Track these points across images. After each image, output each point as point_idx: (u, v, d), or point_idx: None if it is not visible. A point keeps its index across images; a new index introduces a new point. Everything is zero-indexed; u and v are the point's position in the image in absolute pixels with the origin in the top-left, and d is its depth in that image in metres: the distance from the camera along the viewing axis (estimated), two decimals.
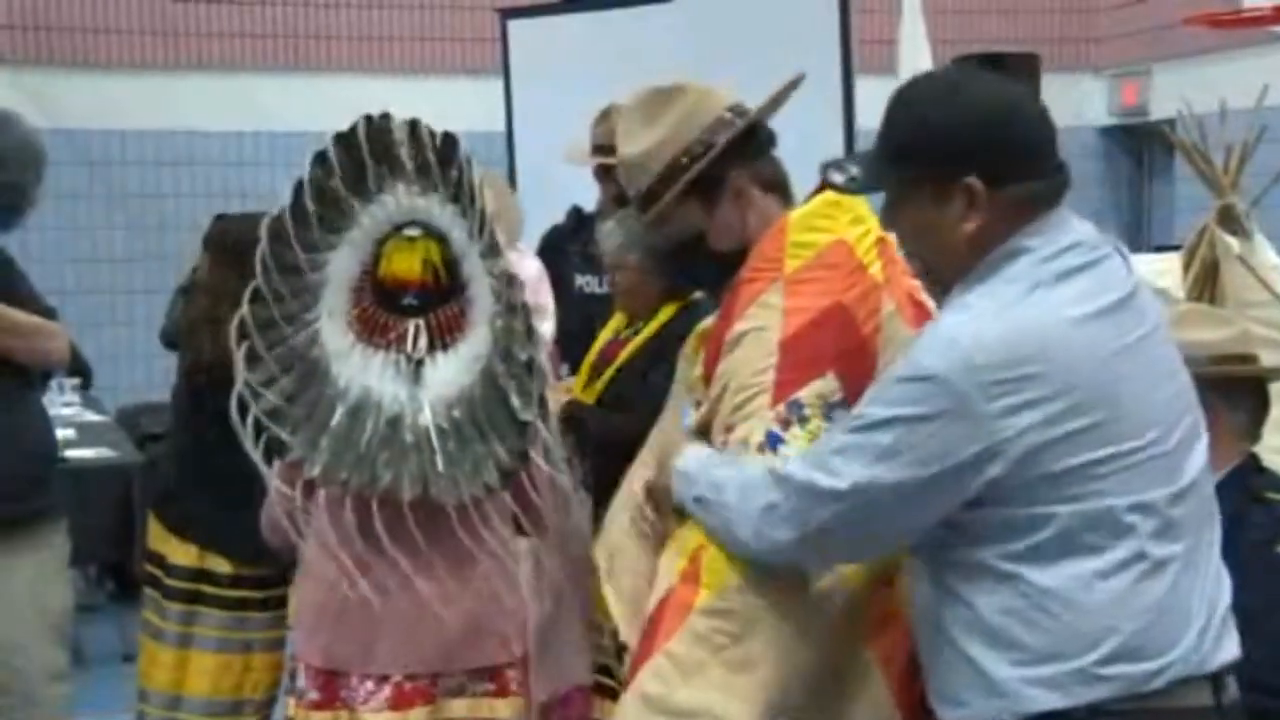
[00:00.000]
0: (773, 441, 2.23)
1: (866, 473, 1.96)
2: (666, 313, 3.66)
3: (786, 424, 2.24)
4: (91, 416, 6.62)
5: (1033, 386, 1.88)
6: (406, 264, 2.88)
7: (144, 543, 4.19)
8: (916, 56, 5.87)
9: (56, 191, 6.42)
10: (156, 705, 4.03)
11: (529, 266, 4.20)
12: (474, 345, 2.86)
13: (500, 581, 2.95)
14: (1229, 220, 3.76)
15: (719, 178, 2.47)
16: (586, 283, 4.61)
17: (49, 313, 3.77)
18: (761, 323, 2.29)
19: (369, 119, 2.84)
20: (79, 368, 6.85)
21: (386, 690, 2.94)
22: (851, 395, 2.18)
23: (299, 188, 2.87)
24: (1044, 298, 1.93)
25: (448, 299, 2.87)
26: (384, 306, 2.89)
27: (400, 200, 2.88)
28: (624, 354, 3.70)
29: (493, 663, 2.98)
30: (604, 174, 4.67)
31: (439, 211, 2.87)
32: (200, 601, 3.95)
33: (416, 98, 8.53)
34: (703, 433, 2.40)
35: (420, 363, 2.87)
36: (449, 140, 2.85)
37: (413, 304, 2.88)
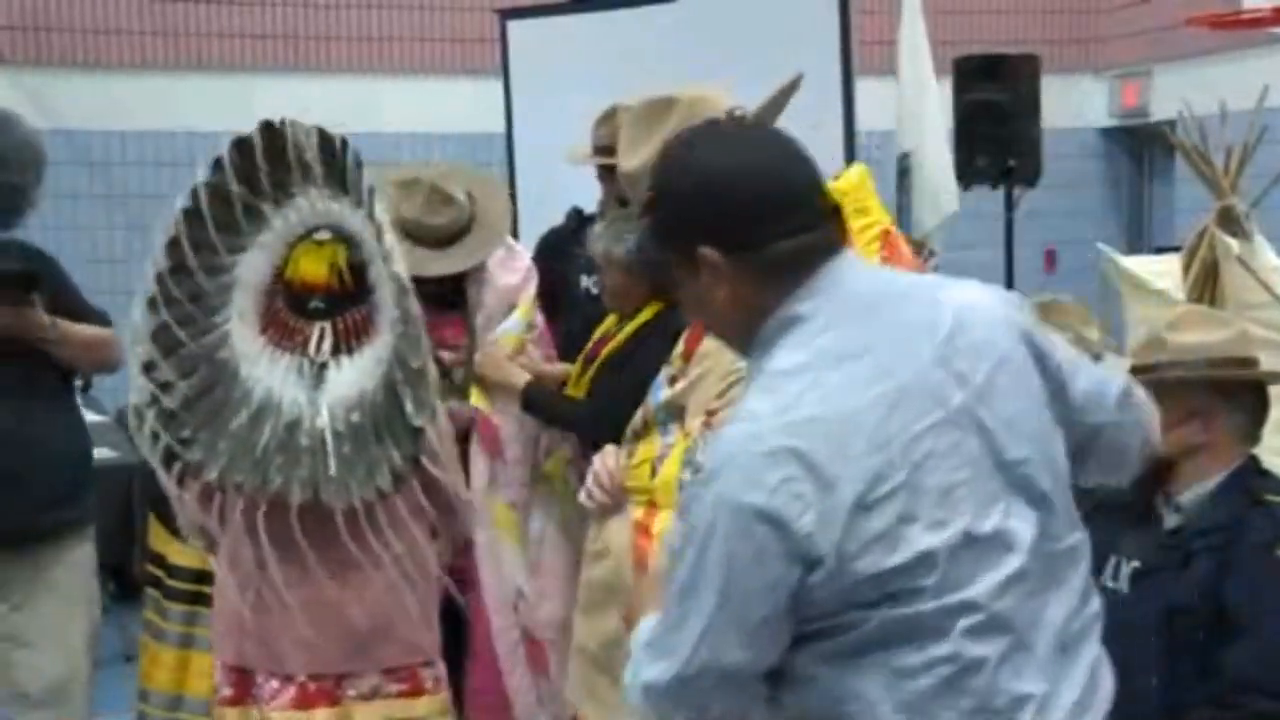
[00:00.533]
0: None
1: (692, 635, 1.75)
2: (649, 311, 3.67)
3: None
4: (92, 417, 6.60)
5: (825, 492, 1.69)
6: (313, 267, 2.93)
7: (145, 543, 4.19)
8: (916, 57, 5.87)
9: (56, 192, 6.40)
10: (157, 705, 4.03)
11: (519, 262, 4.22)
12: (377, 349, 2.90)
13: (409, 582, 2.98)
14: (1229, 222, 3.76)
15: None
16: (591, 284, 4.61)
17: (100, 315, 3.78)
18: None
19: (269, 124, 2.91)
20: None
21: (291, 690, 2.99)
22: None
23: (193, 192, 2.91)
24: (825, 389, 1.73)
25: (354, 303, 2.92)
26: (292, 310, 2.95)
27: (313, 204, 2.93)
28: (605, 350, 3.73)
29: (400, 663, 3.02)
30: (606, 175, 4.67)
31: (349, 216, 2.91)
32: (202, 602, 3.93)
33: (416, 98, 8.62)
34: (672, 410, 2.43)
35: (324, 366, 2.91)
36: (344, 144, 2.91)
37: (319, 307, 2.93)
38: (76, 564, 3.70)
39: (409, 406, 2.84)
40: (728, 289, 1.82)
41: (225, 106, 8.42)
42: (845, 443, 1.70)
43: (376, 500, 2.87)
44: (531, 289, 4.15)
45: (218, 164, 2.93)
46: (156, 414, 2.90)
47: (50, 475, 3.63)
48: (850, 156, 5.82)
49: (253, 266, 2.97)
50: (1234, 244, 3.69)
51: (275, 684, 3.01)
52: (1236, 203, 3.80)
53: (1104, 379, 2.02)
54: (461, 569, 3.67)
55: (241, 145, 2.91)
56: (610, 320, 3.87)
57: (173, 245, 2.93)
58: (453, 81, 8.64)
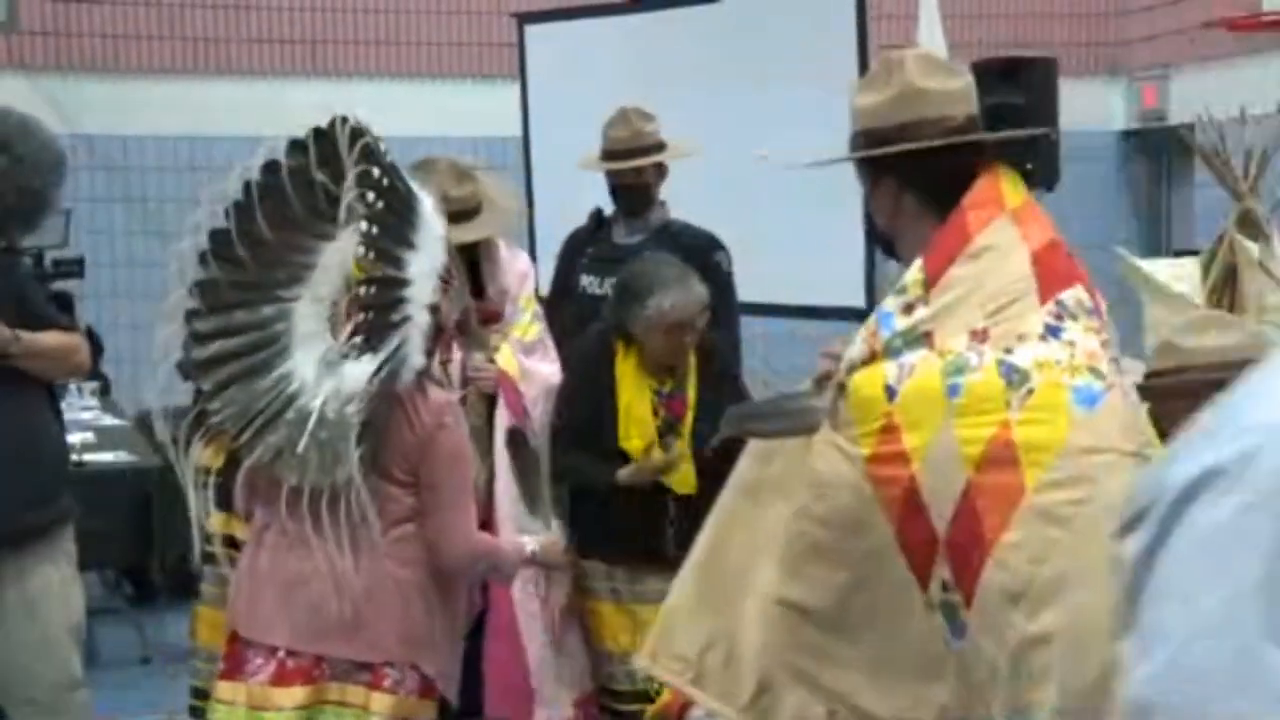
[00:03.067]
0: (1053, 331, 2.37)
1: None
2: (694, 361, 4.01)
3: (1060, 317, 2.39)
4: (110, 421, 6.64)
5: None
6: (360, 266, 3.00)
7: (180, 538, 4.29)
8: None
9: (75, 196, 6.44)
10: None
11: (519, 262, 4.36)
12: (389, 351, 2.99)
13: (382, 582, 3.06)
14: (1248, 225, 3.75)
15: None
16: (590, 283, 4.67)
17: (64, 314, 3.78)
18: (1001, 241, 2.43)
19: (354, 120, 3.06)
20: (97, 372, 6.87)
21: (272, 666, 3.08)
22: (1096, 309, 2.43)
23: (270, 166, 3.05)
24: None
25: (379, 304, 3.00)
26: (354, 303, 3.03)
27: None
28: (693, 402, 4.00)
29: (365, 659, 3.09)
30: (616, 179, 4.68)
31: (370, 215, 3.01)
32: None
33: (434, 102, 8.63)
34: (912, 336, 2.41)
35: (345, 357, 3.00)
36: (367, 145, 3.06)
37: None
38: (57, 562, 3.71)
39: (351, 409, 2.95)
40: None
41: (244, 111, 8.47)
42: None
43: (343, 490, 2.96)
44: (528, 288, 4.30)
45: (295, 146, 3.06)
46: (195, 355, 3.06)
47: (31, 474, 3.63)
48: None
49: (335, 255, 3.08)
50: (1253, 247, 3.68)
51: (260, 659, 3.10)
52: (1256, 206, 3.80)
53: None
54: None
55: (321, 135, 3.04)
56: (645, 377, 4.00)
57: (243, 210, 3.05)
58: (470, 85, 8.66)
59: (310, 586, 3.04)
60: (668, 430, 3.97)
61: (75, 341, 3.73)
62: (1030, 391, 2.30)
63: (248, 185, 3.07)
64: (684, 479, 3.93)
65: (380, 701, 3.09)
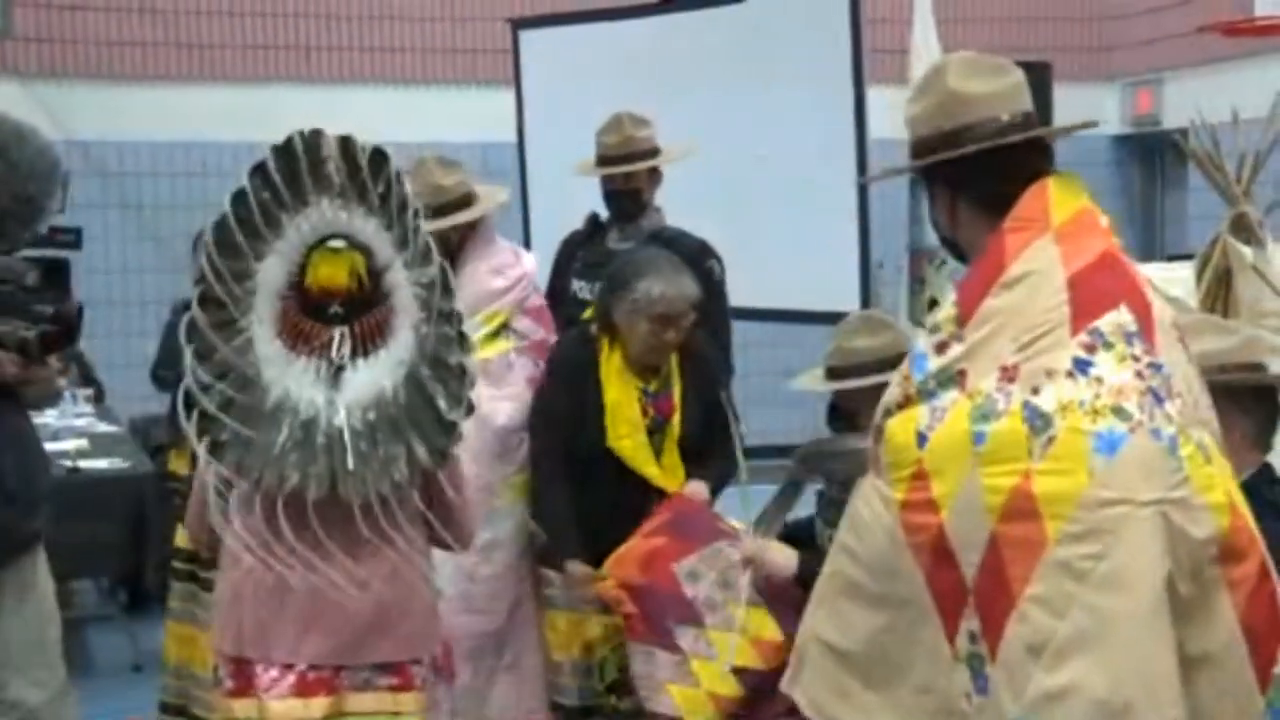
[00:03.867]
0: (1082, 366, 2.29)
1: None
2: (679, 363, 3.93)
3: (1092, 349, 2.30)
4: (104, 427, 6.63)
5: None
6: (333, 273, 3.04)
7: (166, 547, 4.24)
8: (929, 66, 5.85)
9: (69, 202, 6.44)
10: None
11: (515, 270, 4.25)
12: (396, 351, 3.02)
13: (408, 580, 3.10)
14: (1242, 229, 3.75)
15: None
16: (581, 288, 4.66)
17: (55, 289, 3.72)
18: (1039, 266, 2.35)
19: (302, 133, 3.02)
20: (91, 379, 6.87)
21: (290, 678, 3.07)
22: (1145, 329, 2.32)
23: (239, 197, 3.01)
24: None
25: (371, 307, 3.02)
26: (309, 314, 3.04)
27: (325, 213, 3.03)
28: (679, 403, 3.93)
29: (395, 659, 3.11)
30: (609, 184, 4.68)
31: (361, 225, 3.03)
32: None
33: (429, 108, 8.64)
34: (946, 376, 2.38)
35: (340, 368, 3.02)
36: (379, 155, 3.05)
37: (338, 312, 3.03)
38: (41, 571, 3.70)
39: (442, 402, 2.98)
40: None
41: (237, 117, 8.49)
42: None
43: (392, 494, 2.98)
44: (511, 298, 4.17)
45: (262, 170, 3.03)
46: (199, 416, 3.01)
47: (31, 482, 3.56)
48: (862, 165, 5.82)
49: (271, 272, 3.06)
50: (1247, 252, 3.68)
51: (274, 672, 3.09)
52: (1250, 210, 3.79)
53: None
54: None
55: (284, 153, 3.02)
56: (630, 376, 3.90)
57: (226, 247, 3.04)
58: (465, 91, 8.67)
59: (351, 602, 3.03)
60: (656, 430, 3.90)
61: (53, 371, 3.70)
62: (1051, 439, 2.26)
63: (218, 223, 3.03)
64: (672, 475, 3.90)
65: (414, 701, 3.13)
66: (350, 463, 2.95)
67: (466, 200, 4.15)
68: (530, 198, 6.94)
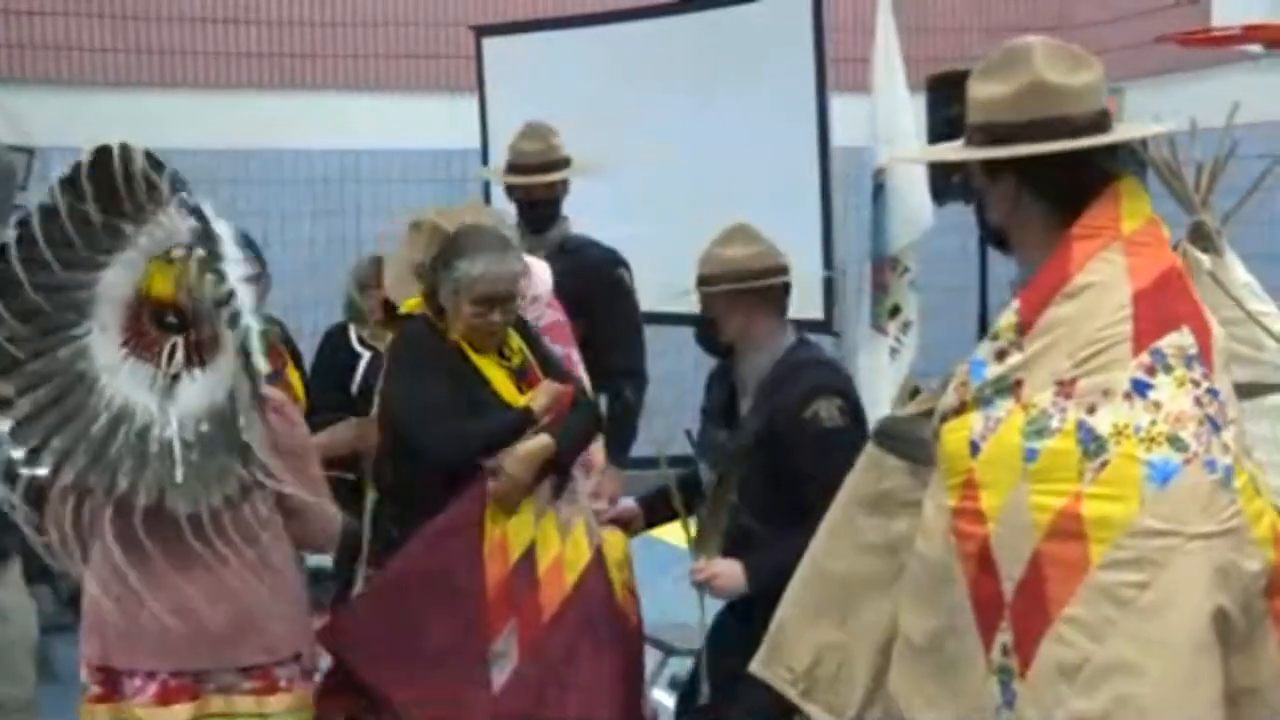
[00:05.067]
0: (1140, 388, 2.24)
1: None
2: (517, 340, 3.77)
3: (1152, 371, 2.25)
4: None
5: None
6: (163, 284, 3.08)
7: None
8: (890, 75, 5.92)
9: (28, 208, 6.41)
10: None
11: (536, 282, 4.17)
12: (227, 363, 3.04)
13: (266, 585, 3.14)
14: (1200, 237, 3.77)
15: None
16: None
17: None
18: (1105, 277, 2.30)
19: (123, 147, 3.05)
20: None
21: (154, 686, 3.14)
22: (1204, 353, 2.27)
23: (45, 212, 3.00)
24: None
25: (206, 318, 3.05)
26: (153, 323, 3.10)
27: (172, 223, 3.08)
28: (539, 360, 3.80)
29: (256, 662, 3.18)
30: (525, 194, 4.67)
31: (193, 234, 3.06)
32: None
33: (393, 114, 8.64)
34: (1003, 385, 2.34)
35: (177, 377, 3.07)
36: (173, 168, 3.12)
37: (173, 322, 3.08)
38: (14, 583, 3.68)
39: (241, 421, 2.99)
40: None
41: (204, 124, 8.46)
42: None
43: (224, 507, 3.02)
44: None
45: (72, 184, 3.03)
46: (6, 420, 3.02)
47: None
48: (825, 172, 5.86)
49: (115, 282, 3.10)
50: (1206, 259, 3.71)
51: (138, 681, 3.16)
52: (1208, 218, 3.83)
53: None
54: None
55: (93, 167, 3.02)
56: (487, 355, 3.71)
57: (30, 262, 3.02)
58: (429, 98, 8.67)
59: (202, 610, 3.09)
60: None
61: None
62: (1105, 464, 2.21)
63: (28, 236, 3.02)
64: None
65: (280, 702, 3.20)
66: (178, 475, 2.97)
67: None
68: (493, 203, 6.96)
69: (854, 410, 3.54)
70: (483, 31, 7.16)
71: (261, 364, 3.00)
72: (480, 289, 3.58)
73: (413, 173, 8.34)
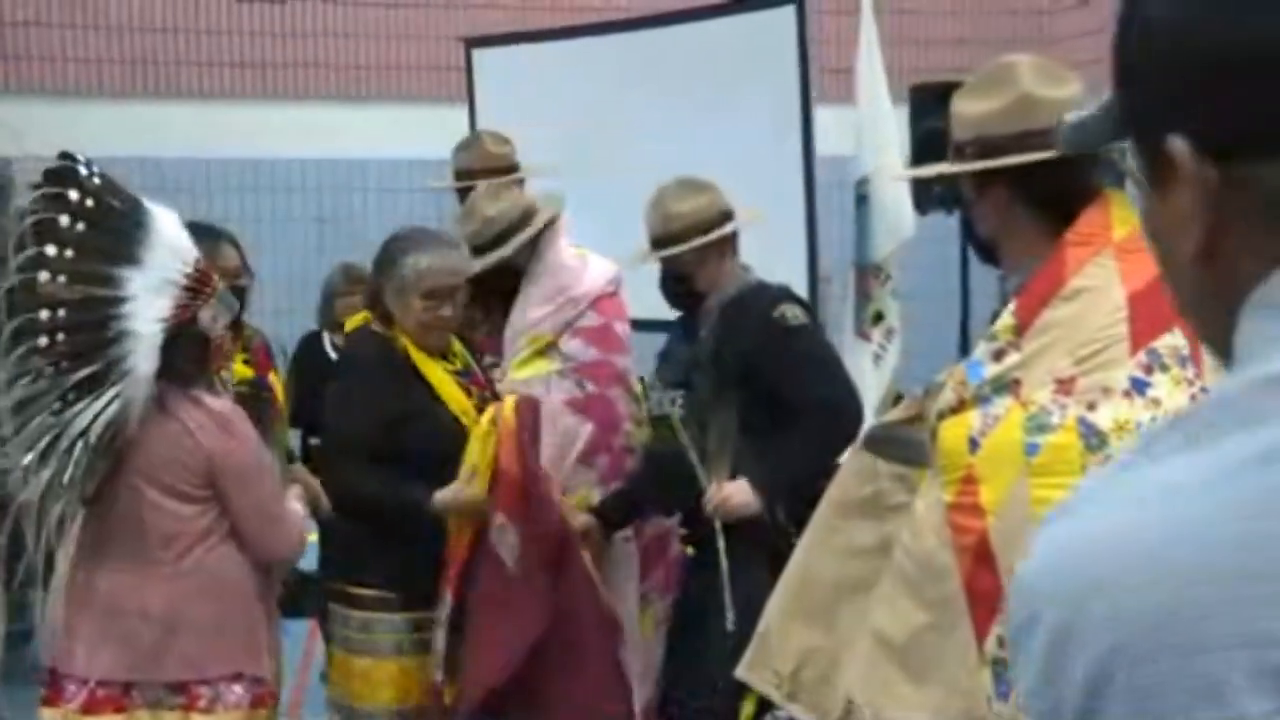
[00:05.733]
0: (1139, 386, 2.29)
1: None
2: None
3: (1149, 370, 2.30)
4: None
5: None
6: None
7: None
8: (873, 86, 5.97)
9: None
10: None
11: (588, 280, 4.01)
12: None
13: (189, 600, 3.11)
14: None
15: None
16: None
17: None
18: (1099, 282, 2.36)
19: (71, 156, 3.12)
20: None
21: (83, 694, 3.13)
22: (1194, 354, 2.30)
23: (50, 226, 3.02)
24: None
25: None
26: None
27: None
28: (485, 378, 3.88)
29: (180, 678, 3.13)
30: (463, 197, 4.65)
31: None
32: None
33: (384, 124, 8.69)
34: (1002, 384, 2.38)
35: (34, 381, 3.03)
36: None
37: None
38: None
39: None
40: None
41: (194, 133, 8.50)
42: None
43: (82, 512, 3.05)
44: (551, 322, 3.92)
45: (58, 199, 3.07)
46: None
47: None
48: (809, 181, 5.94)
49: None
50: None
51: (73, 686, 3.15)
52: None
53: None
54: None
55: (74, 177, 3.10)
56: (432, 362, 3.74)
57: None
58: (420, 108, 8.73)
59: (130, 619, 3.10)
60: (481, 408, 3.69)
61: None
62: (1107, 459, 2.19)
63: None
64: None
65: None
66: (68, 475, 2.99)
67: (525, 218, 3.88)
68: None
69: (809, 314, 3.79)
70: (472, 43, 7.23)
71: (144, 370, 3.02)
72: (428, 282, 3.60)
73: (404, 180, 8.41)
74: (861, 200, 5.98)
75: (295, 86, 8.84)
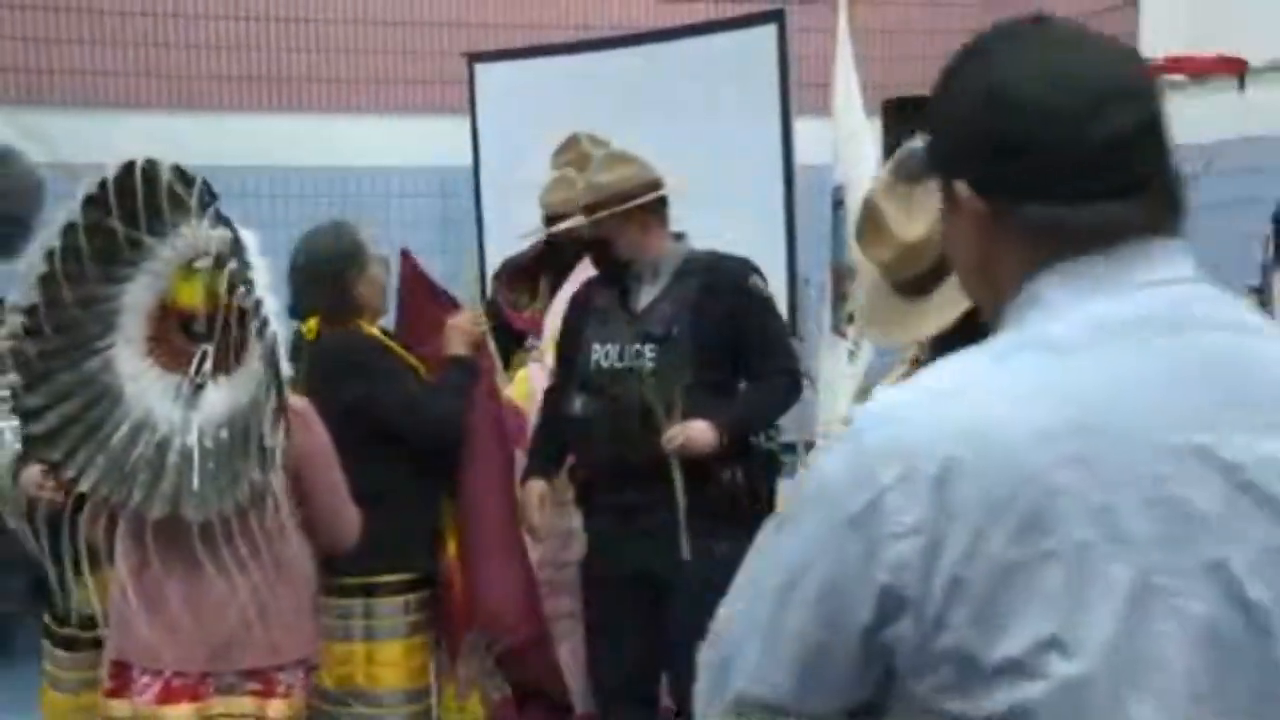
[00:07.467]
0: None
1: None
2: None
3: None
4: None
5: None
6: (190, 294, 3.12)
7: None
8: (849, 99, 6.06)
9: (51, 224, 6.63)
10: None
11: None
12: (251, 370, 3.08)
13: (274, 589, 3.17)
14: None
15: None
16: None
17: None
18: None
19: (145, 162, 3.08)
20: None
21: (157, 685, 3.18)
22: None
23: (69, 229, 3.10)
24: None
25: (234, 326, 3.10)
26: (182, 333, 3.15)
27: (195, 234, 3.12)
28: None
29: (258, 666, 3.20)
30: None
31: (222, 244, 3.12)
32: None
33: (391, 134, 8.80)
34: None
35: (201, 386, 3.10)
36: (204, 181, 3.12)
37: (201, 331, 3.12)
38: None
39: (264, 427, 3.00)
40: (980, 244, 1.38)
41: (213, 144, 8.64)
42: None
43: (234, 515, 3.04)
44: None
45: (94, 201, 3.12)
46: (24, 439, 3.14)
47: None
48: (789, 189, 6.21)
49: (140, 294, 3.16)
50: None
51: (146, 678, 3.19)
52: None
53: None
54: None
55: (119, 182, 3.11)
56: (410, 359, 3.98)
57: (46, 280, 3.12)
58: (425, 119, 8.80)
59: (210, 613, 3.14)
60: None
61: None
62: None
63: (50, 254, 3.11)
64: None
65: (278, 708, 3.22)
66: (195, 482, 2.99)
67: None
68: (485, 218, 7.29)
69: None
70: (475, 58, 7.48)
71: (287, 370, 3.04)
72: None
73: (409, 188, 8.52)
74: (838, 206, 6.17)
75: (308, 99, 8.88)
